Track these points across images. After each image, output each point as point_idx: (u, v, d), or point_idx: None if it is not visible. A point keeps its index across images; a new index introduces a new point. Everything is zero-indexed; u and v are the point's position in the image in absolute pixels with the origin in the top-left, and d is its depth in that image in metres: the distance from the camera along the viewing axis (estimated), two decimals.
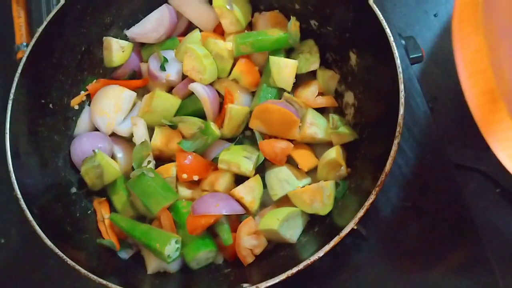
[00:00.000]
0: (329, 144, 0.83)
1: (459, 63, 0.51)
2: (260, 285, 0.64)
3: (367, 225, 0.84)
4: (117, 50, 0.92)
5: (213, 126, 0.84)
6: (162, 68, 0.89)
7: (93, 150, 0.83)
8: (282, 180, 0.80)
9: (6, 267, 0.98)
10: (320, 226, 0.78)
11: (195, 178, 0.83)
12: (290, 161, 0.83)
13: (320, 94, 0.87)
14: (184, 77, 0.89)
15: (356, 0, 0.77)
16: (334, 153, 0.78)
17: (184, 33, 0.95)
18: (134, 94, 0.91)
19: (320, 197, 0.77)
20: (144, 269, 0.82)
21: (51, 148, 0.87)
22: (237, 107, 0.84)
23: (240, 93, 0.87)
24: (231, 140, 0.87)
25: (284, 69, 0.83)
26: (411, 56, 0.91)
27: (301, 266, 0.64)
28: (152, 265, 0.81)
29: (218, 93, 0.88)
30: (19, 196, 0.74)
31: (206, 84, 0.86)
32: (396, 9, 1.05)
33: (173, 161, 0.85)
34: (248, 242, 0.78)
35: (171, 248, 0.77)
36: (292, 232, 0.78)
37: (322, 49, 0.88)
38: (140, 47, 0.96)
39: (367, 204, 0.65)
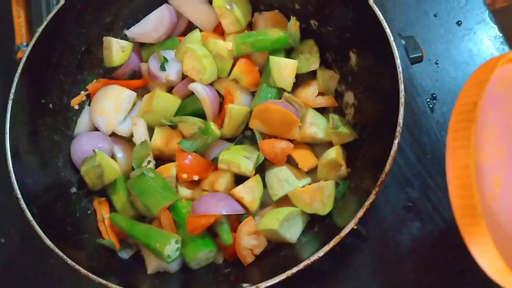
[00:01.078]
0: (329, 144, 0.83)
1: (449, 173, 0.54)
2: (260, 285, 0.64)
3: (367, 225, 0.84)
4: (117, 50, 0.92)
5: (213, 126, 0.84)
6: (162, 68, 0.89)
7: (93, 150, 0.83)
8: (282, 180, 0.80)
9: (6, 267, 0.98)
10: (320, 226, 0.78)
11: (195, 178, 0.83)
12: (290, 161, 0.83)
13: (320, 94, 0.87)
14: (184, 77, 0.89)
15: (356, 0, 0.77)
16: (334, 153, 0.78)
17: (184, 33, 0.95)
18: (134, 94, 0.91)
19: (320, 197, 0.77)
20: (144, 269, 0.82)
21: (51, 148, 0.87)
22: (237, 107, 0.84)
23: (240, 93, 0.87)
24: (231, 140, 0.87)
25: (284, 69, 0.83)
26: (411, 56, 0.91)
27: (301, 266, 0.64)
28: (152, 265, 0.81)
29: (218, 93, 0.88)
30: (19, 196, 0.74)
31: (206, 84, 0.86)
32: (396, 9, 1.05)
33: (173, 161, 0.85)
34: (248, 242, 0.78)
35: (171, 248, 0.77)
36: (292, 232, 0.78)
37: (322, 49, 0.88)
38: (140, 47, 0.96)
39: (367, 204, 0.65)
